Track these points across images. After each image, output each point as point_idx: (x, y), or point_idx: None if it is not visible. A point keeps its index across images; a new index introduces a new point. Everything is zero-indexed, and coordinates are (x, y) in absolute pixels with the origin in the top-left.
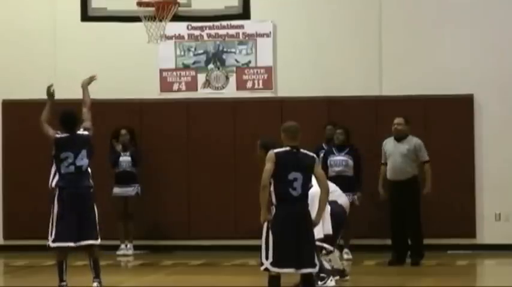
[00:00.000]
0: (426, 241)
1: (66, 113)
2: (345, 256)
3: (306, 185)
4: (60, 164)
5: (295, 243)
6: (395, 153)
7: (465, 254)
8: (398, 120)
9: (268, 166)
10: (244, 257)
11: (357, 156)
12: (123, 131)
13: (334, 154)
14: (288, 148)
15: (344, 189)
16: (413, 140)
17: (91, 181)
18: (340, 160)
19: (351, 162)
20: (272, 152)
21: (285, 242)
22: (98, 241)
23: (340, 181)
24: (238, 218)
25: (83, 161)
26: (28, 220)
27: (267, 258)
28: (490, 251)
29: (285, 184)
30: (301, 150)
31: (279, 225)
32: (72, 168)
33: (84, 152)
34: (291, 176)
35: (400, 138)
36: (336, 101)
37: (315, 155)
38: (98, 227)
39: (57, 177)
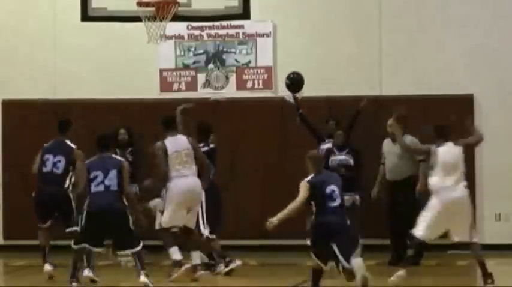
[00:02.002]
0: None
1: (101, 135)
2: None
3: None
4: (90, 183)
5: None
6: (391, 153)
7: (465, 254)
8: (390, 121)
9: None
10: (244, 257)
11: (357, 155)
12: (122, 131)
13: (335, 153)
14: None
15: (345, 189)
16: (408, 139)
17: (125, 202)
18: (341, 159)
19: (351, 161)
20: None
21: None
22: (137, 249)
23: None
24: (238, 218)
25: (113, 181)
26: (28, 220)
27: None
28: (490, 251)
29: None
30: None
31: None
32: (101, 187)
33: (114, 172)
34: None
35: (394, 138)
36: (336, 101)
37: None
38: (133, 235)
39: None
